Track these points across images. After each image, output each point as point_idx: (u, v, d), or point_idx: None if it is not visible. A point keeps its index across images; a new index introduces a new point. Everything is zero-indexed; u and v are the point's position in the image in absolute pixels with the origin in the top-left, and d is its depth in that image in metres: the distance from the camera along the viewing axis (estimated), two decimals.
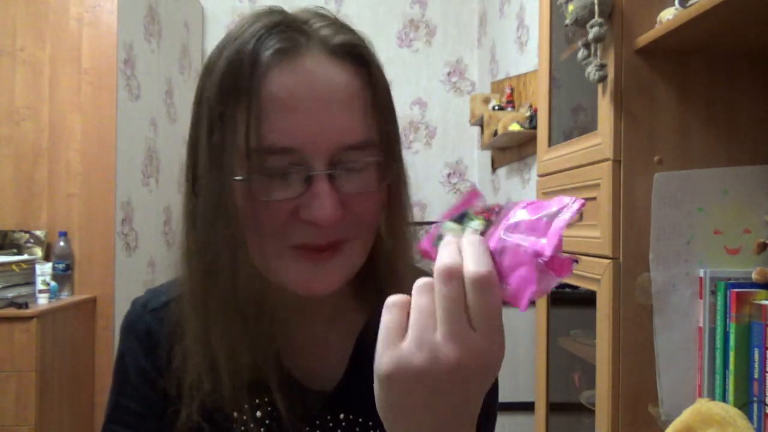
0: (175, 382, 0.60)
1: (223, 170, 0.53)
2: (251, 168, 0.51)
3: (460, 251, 0.39)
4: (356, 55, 0.55)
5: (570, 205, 0.38)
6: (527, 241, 0.38)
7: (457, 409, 0.39)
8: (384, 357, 0.39)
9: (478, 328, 0.37)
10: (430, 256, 0.44)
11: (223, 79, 0.53)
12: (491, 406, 0.68)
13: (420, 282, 0.40)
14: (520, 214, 0.40)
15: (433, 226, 0.45)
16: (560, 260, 0.38)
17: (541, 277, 0.38)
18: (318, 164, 0.52)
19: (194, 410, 0.59)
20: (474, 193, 0.45)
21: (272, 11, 0.56)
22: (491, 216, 0.43)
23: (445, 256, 0.39)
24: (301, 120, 0.51)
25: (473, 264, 0.38)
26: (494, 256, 0.39)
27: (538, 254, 0.38)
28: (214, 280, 0.55)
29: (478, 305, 0.37)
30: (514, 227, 0.40)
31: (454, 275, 0.38)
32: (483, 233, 0.42)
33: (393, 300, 0.41)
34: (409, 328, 0.39)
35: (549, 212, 0.39)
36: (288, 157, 0.52)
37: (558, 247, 0.37)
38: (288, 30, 0.53)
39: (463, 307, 0.38)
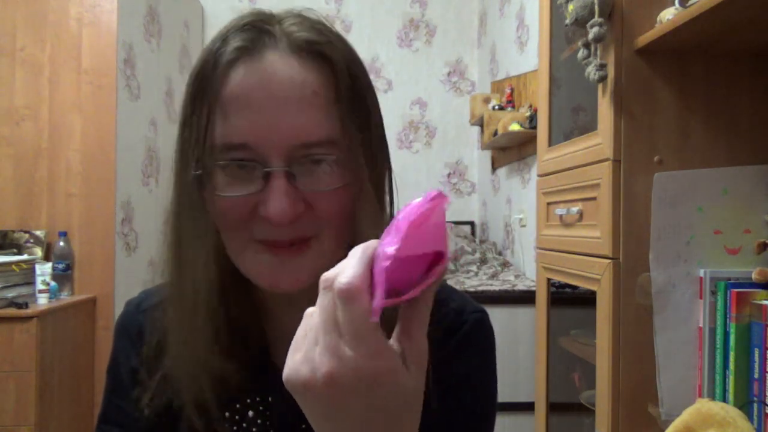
0: (166, 382, 0.60)
1: (186, 167, 0.55)
2: (209, 164, 0.53)
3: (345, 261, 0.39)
4: (318, 52, 0.54)
5: (430, 199, 0.36)
6: (385, 244, 0.37)
7: (356, 424, 0.38)
8: (285, 365, 0.40)
9: (346, 340, 0.37)
10: None
11: (194, 79, 0.55)
12: (487, 407, 0.68)
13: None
14: (395, 218, 0.38)
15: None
16: (422, 256, 0.36)
17: (395, 278, 0.36)
18: (275, 161, 0.52)
19: (185, 410, 0.59)
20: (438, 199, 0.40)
21: (251, 12, 0.57)
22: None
23: (339, 268, 0.38)
24: (256, 117, 0.52)
25: (341, 274, 0.37)
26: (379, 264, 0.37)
27: (386, 257, 0.36)
28: (186, 276, 0.57)
29: (342, 317, 0.37)
30: (388, 230, 0.38)
31: (327, 286, 0.38)
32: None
33: (308, 310, 0.41)
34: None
35: (403, 214, 0.36)
36: (245, 154, 0.53)
37: (408, 246, 0.35)
38: (253, 29, 0.54)
39: (334, 319, 0.37)
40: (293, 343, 0.40)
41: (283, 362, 0.62)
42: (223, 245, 0.57)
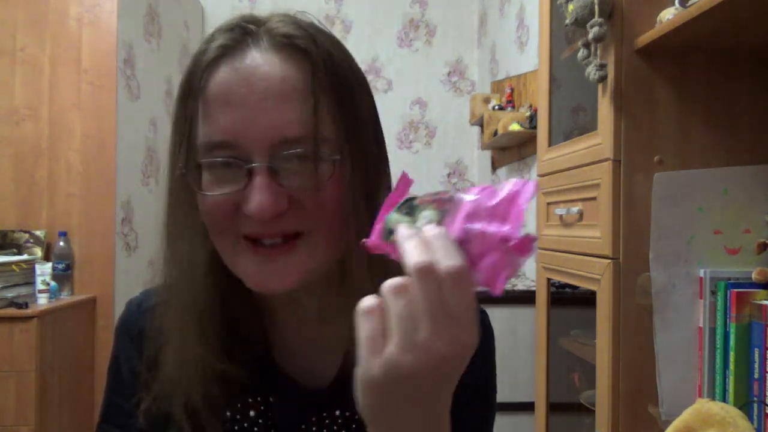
0: (164, 383, 0.60)
1: (175, 167, 0.56)
2: (192, 162, 0.54)
3: (427, 245, 0.39)
4: (297, 47, 0.54)
5: (524, 187, 0.39)
6: (492, 228, 0.39)
7: (439, 401, 0.41)
8: (372, 364, 0.39)
9: (459, 322, 0.38)
10: (381, 251, 0.44)
11: (183, 81, 0.57)
12: (487, 407, 0.68)
13: (391, 284, 0.39)
14: (476, 201, 0.40)
15: (376, 220, 0.45)
16: (521, 241, 0.39)
17: (509, 261, 0.39)
18: (258, 158, 0.52)
19: (186, 409, 0.59)
20: (405, 181, 0.45)
21: (241, 15, 0.58)
22: (443, 205, 0.42)
23: (415, 253, 0.39)
24: (237, 114, 0.52)
25: (447, 258, 0.38)
26: (461, 245, 0.40)
27: (506, 239, 0.39)
28: (180, 277, 0.58)
29: (455, 299, 0.38)
30: (474, 214, 0.40)
31: (431, 272, 0.38)
32: (439, 223, 0.42)
33: (366, 306, 0.40)
34: (392, 332, 0.39)
35: (505, 196, 0.40)
36: (228, 152, 0.53)
37: (520, 230, 0.39)
38: (236, 28, 0.55)
39: (442, 303, 0.38)
40: (370, 343, 0.39)
41: (286, 362, 0.63)
42: (201, 244, 0.57)
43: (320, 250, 0.55)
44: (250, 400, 0.62)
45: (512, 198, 0.39)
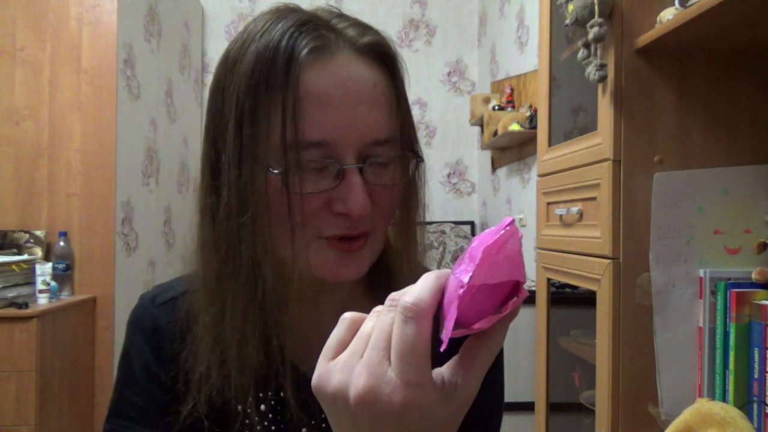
0: (182, 376, 0.60)
1: (254, 163, 0.54)
2: (287, 161, 0.53)
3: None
4: (382, 54, 0.59)
5: (505, 227, 0.35)
6: (458, 272, 0.35)
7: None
8: (316, 369, 0.39)
9: (393, 361, 0.35)
10: None
11: (253, 73, 0.55)
12: (495, 407, 0.68)
13: (378, 307, 0.39)
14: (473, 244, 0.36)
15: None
16: (496, 287, 0.35)
17: (468, 308, 0.35)
18: (349, 158, 0.54)
19: (199, 403, 0.59)
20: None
21: (293, 9, 0.58)
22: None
23: (407, 289, 0.37)
24: (334, 115, 0.54)
25: (407, 295, 0.36)
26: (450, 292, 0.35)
27: (460, 284, 0.34)
28: (231, 272, 0.57)
29: (396, 336, 0.35)
30: (461, 260, 0.36)
31: (394, 305, 0.37)
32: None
33: (346, 315, 0.40)
34: (346, 348, 0.38)
35: (485, 237, 0.35)
36: (321, 151, 0.54)
37: (483, 273, 0.34)
38: (318, 29, 0.56)
39: (387, 338, 0.36)
40: (325, 348, 0.39)
41: (299, 358, 0.63)
42: (266, 241, 0.56)
43: (379, 243, 0.60)
44: (261, 394, 0.62)
45: (479, 243, 0.35)
